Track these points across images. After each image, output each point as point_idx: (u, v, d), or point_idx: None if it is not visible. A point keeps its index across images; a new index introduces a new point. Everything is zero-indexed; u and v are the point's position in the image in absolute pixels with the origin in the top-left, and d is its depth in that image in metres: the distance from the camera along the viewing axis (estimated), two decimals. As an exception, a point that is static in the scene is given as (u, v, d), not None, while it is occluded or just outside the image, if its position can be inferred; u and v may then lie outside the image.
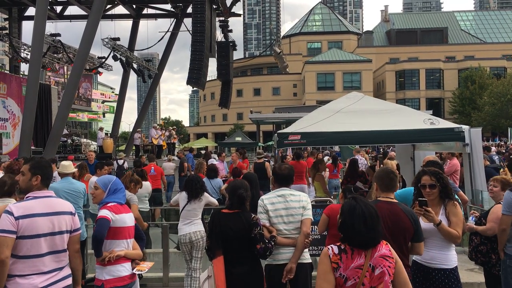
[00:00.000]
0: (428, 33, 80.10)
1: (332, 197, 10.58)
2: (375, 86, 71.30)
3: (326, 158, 17.18)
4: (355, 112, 7.98)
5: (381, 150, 25.67)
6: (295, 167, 10.82)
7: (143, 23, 28.47)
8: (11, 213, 3.29)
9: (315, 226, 5.79)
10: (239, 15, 27.79)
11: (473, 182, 7.34)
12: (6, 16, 27.21)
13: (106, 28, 25.59)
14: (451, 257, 4.00)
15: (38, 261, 3.34)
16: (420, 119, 7.53)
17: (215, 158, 14.74)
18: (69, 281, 3.55)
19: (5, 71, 27.16)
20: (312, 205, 6.98)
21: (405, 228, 3.63)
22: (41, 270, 3.35)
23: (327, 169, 13.22)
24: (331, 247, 2.74)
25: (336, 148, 28.06)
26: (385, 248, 2.76)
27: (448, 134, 7.26)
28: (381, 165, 9.35)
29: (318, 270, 2.72)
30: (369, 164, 13.48)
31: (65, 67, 28.30)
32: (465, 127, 7.26)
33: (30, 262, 3.32)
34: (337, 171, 13.97)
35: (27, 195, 3.51)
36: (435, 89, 67.90)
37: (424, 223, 3.94)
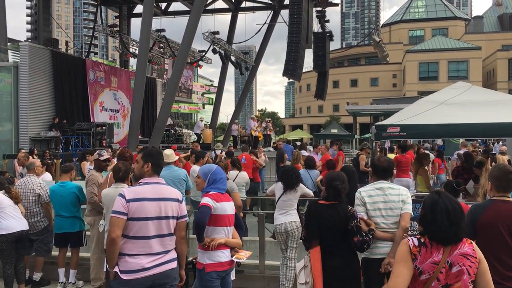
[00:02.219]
0: (548, 16, 72.58)
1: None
2: (485, 76, 66.13)
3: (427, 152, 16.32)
4: (461, 104, 7.49)
5: (490, 144, 23.88)
6: (400, 161, 10.53)
7: (241, 16, 29.15)
8: (123, 196, 3.57)
9: (414, 222, 5.57)
10: (336, 4, 27.36)
11: None
12: (117, 14, 29.35)
13: (206, 22, 26.57)
14: None
15: (146, 243, 3.56)
16: (536, 110, 6.87)
17: (310, 150, 14.71)
18: (174, 264, 3.73)
19: (116, 66, 29.37)
20: (412, 200, 6.71)
21: None
22: (148, 252, 3.57)
23: (432, 164, 12.55)
24: (411, 238, 2.72)
25: (439, 142, 26.59)
26: (468, 246, 2.67)
27: None
28: (493, 162, 8.66)
29: (396, 257, 2.72)
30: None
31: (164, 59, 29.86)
32: None
33: (138, 243, 3.56)
34: (444, 166, 13.24)
35: (139, 181, 3.78)
36: (555, 78, 61.44)
37: None
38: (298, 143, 21.83)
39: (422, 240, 2.70)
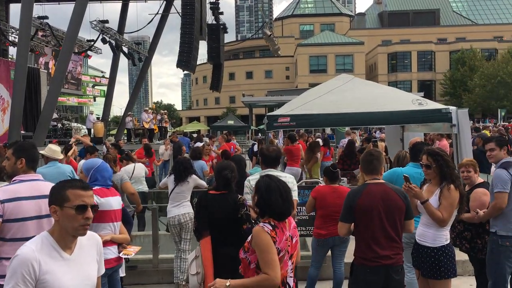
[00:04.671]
0: (420, 15, 79.70)
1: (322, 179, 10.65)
2: (368, 69, 71.18)
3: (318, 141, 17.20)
4: (344, 94, 7.97)
5: (373, 132, 25.75)
6: (289, 151, 10.95)
7: (132, 5, 28.13)
8: None
9: (303, 207, 5.87)
10: (230, -4, 27.51)
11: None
12: (-7, -1, 26.74)
13: (95, 10, 25.24)
14: (436, 237, 4.01)
15: None
16: (408, 100, 7.54)
17: (206, 142, 14.75)
18: None
19: (-7, 55, 26.77)
20: (302, 186, 7.03)
21: (398, 206, 3.73)
22: None
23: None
24: (264, 225, 2.93)
25: (328, 131, 28.13)
26: (292, 220, 3.13)
27: (435, 115, 7.25)
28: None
29: (261, 247, 2.86)
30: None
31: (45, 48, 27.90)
32: (452, 108, 7.26)
33: (17, 245, 3.26)
34: (330, 154, 13.99)
35: (13, 179, 3.48)
36: (426, 71, 67.95)
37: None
38: (195, 135, 21.74)
39: (272, 223, 2.93)
